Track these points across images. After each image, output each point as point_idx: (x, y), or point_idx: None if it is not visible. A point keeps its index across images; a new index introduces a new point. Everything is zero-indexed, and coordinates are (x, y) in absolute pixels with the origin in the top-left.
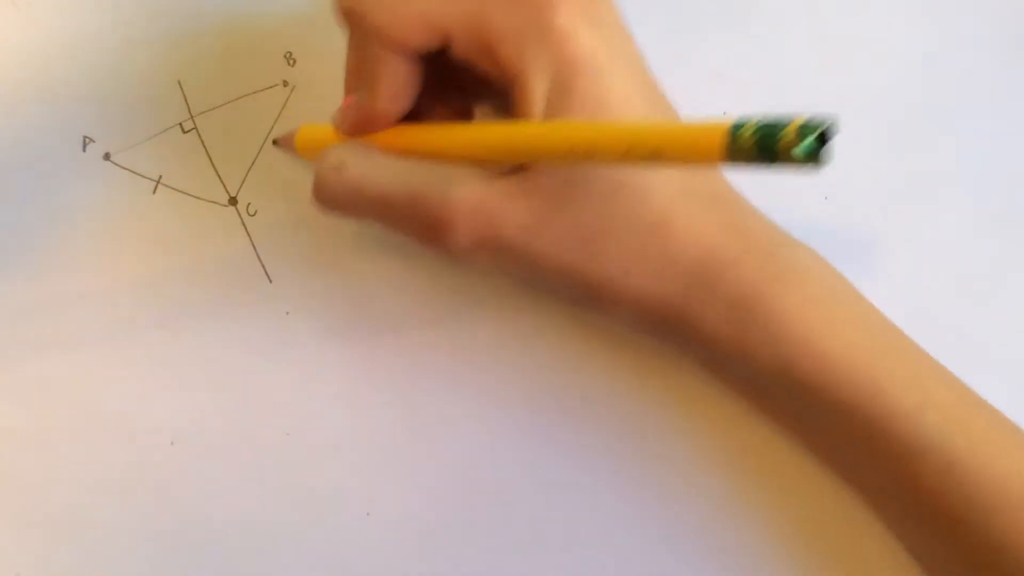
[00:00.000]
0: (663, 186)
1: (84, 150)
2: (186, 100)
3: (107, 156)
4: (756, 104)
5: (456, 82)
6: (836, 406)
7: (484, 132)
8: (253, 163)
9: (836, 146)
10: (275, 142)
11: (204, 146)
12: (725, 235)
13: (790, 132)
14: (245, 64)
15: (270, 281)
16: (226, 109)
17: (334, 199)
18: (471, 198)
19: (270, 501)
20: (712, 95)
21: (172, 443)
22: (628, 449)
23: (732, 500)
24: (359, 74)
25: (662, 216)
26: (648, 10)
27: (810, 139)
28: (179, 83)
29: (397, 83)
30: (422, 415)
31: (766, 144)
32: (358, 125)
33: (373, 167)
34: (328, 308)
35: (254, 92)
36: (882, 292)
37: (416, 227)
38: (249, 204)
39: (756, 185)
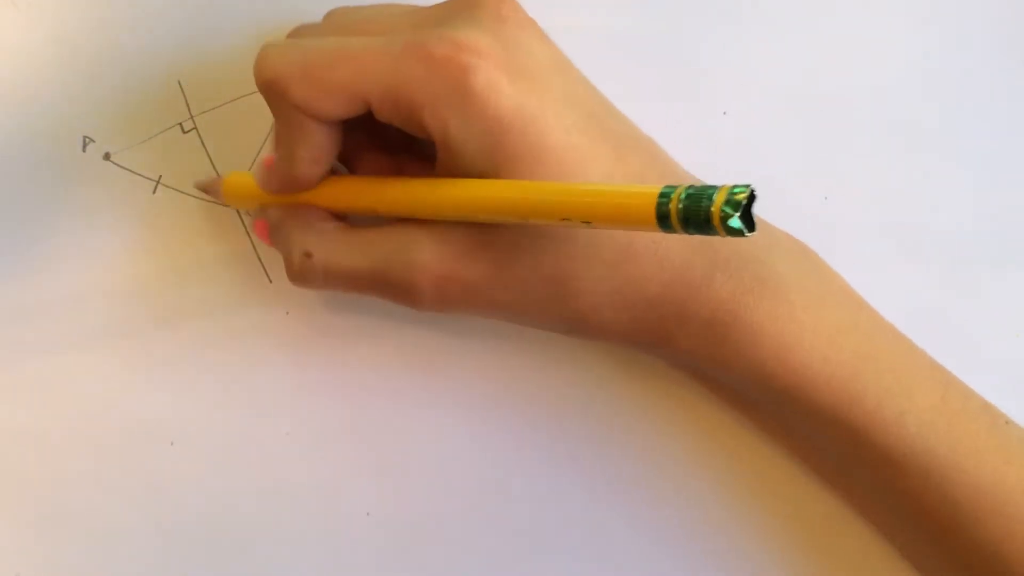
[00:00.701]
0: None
1: (84, 150)
2: (186, 100)
3: (107, 156)
4: (755, 104)
5: (390, 135)
6: (816, 416)
7: (420, 193)
8: (253, 163)
9: (758, 211)
10: (198, 185)
11: (204, 146)
12: (691, 255)
13: (716, 203)
14: (245, 64)
15: (270, 281)
16: (226, 109)
17: (308, 284)
18: (431, 262)
19: (270, 501)
20: (712, 95)
21: (172, 443)
22: (624, 448)
23: (726, 503)
24: (279, 139)
25: (623, 249)
26: (648, 10)
27: (735, 211)
28: (179, 83)
29: (316, 149)
30: (422, 415)
31: (691, 215)
32: (280, 188)
33: (337, 249)
34: (328, 308)
35: (254, 92)
36: (882, 292)
37: (387, 295)
38: None
39: (757, 184)
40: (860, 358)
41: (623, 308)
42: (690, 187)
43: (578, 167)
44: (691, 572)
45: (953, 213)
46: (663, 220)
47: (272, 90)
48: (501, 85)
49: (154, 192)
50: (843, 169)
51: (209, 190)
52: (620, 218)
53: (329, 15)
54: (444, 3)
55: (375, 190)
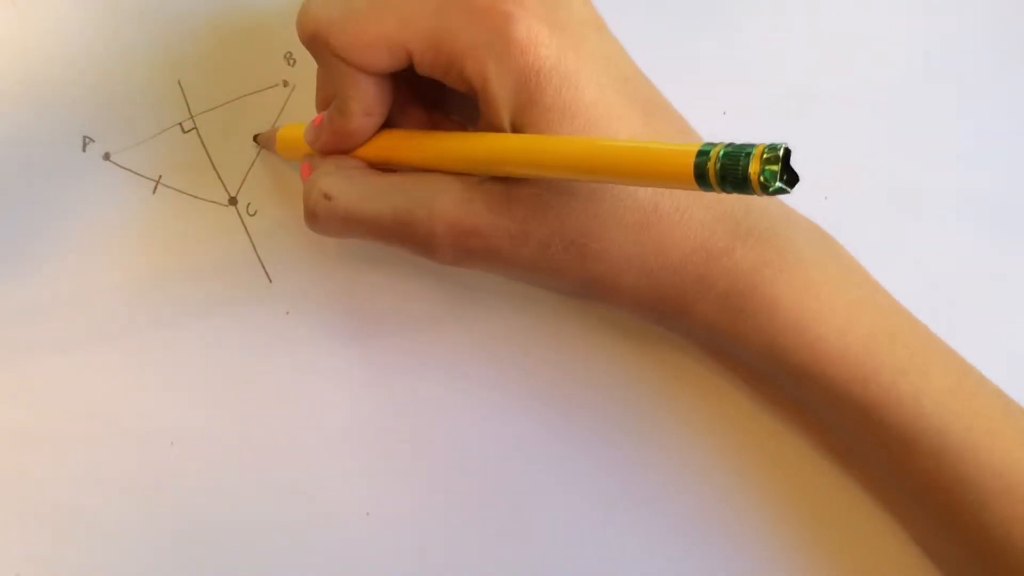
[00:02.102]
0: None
1: (84, 150)
2: (186, 100)
3: (107, 156)
4: (755, 104)
5: (426, 92)
6: (830, 392)
7: (454, 144)
8: (253, 163)
9: (799, 172)
10: (256, 138)
11: (204, 146)
12: (714, 224)
13: (754, 158)
14: (245, 64)
15: (270, 281)
16: (226, 109)
17: (325, 227)
18: (454, 212)
19: (270, 501)
20: (712, 95)
21: (172, 443)
22: (632, 446)
23: (737, 491)
24: (329, 93)
25: (648, 214)
26: (648, 9)
27: (772, 167)
28: (179, 83)
29: (367, 101)
30: (422, 414)
31: (728, 172)
32: (332, 143)
33: (358, 193)
34: (328, 308)
35: (254, 92)
36: None
37: (406, 244)
38: (249, 204)
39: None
40: (876, 336)
41: (643, 273)
42: (728, 144)
43: (608, 126)
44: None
45: (953, 213)
46: (701, 178)
47: (315, 42)
48: (541, 37)
49: (154, 192)
50: (843, 169)
51: (265, 143)
52: (658, 175)
53: None
54: None
55: (407, 141)
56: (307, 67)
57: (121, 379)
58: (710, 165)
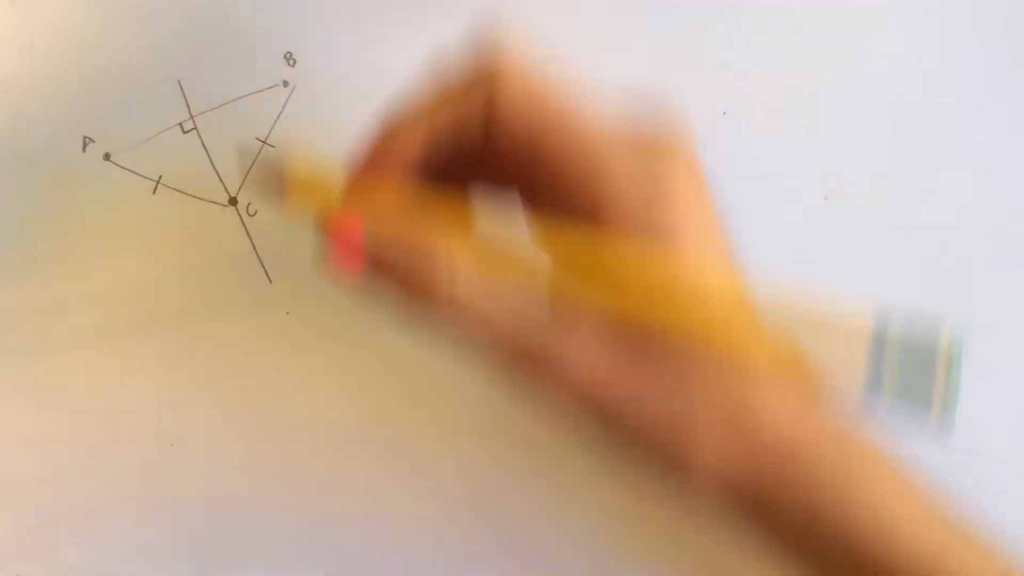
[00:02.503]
0: (750, 364)
1: (84, 150)
2: (186, 100)
3: (107, 156)
4: (755, 104)
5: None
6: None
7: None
8: (253, 163)
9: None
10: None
11: (204, 146)
12: (802, 419)
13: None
14: (245, 64)
15: (270, 281)
16: (226, 109)
17: (459, 323)
18: (594, 359)
19: (270, 501)
20: (712, 95)
21: (172, 443)
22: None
23: None
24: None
25: (746, 399)
26: (648, 9)
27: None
28: (179, 83)
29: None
30: (422, 414)
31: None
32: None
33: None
34: (328, 308)
35: (254, 92)
36: (882, 292)
37: (518, 366)
38: (249, 204)
39: (757, 184)
40: (945, 545)
41: (729, 453)
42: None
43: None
44: None
45: (954, 213)
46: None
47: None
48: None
49: (154, 192)
50: (843, 169)
51: (269, 186)
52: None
53: None
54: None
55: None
56: (307, 67)
57: (121, 379)
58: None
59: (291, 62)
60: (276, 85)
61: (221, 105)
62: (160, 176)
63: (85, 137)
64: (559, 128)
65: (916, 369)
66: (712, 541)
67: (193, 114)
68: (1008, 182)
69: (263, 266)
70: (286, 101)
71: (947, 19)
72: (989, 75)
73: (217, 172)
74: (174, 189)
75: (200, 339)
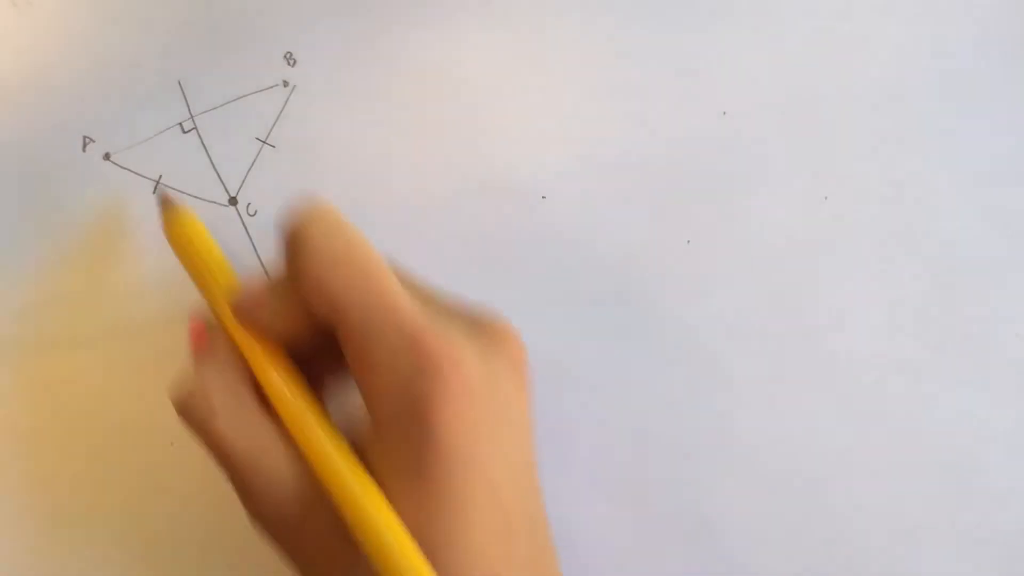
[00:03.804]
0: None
1: (84, 150)
2: (186, 100)
3: (107, 156)
4: (755, 104)
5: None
6: None
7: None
8: (253, 163)
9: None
10: (160, 195)
11: (204, 146)
12: None
13: None
14: (245, 64)
15: None
16: (226, 109)
17: (184, 415)
18: (291, 515)
19: None
20: (712, 95)
21: (172, 443)
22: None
23: None
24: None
25: None
26: (648, 9)
27: None
28: (179, 83)
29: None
30: None
31: None
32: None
33: (237, 423)
34: None
35: (254, 92)
36: (883, 292)
37: (236, 486)
38: (249, 204)
39: (757, 184)
40: None
41: None
42: None
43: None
44: None
45: (954, 213)
46: None
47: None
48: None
49: (154, 192)
50: (843, 169)
51: (164, 203)
52: None
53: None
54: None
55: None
56: (307, 67)
57: (121, 379)
58: None
59: (291, 62)
60: (276, 85)
61: (221, 105)
62: (160, 176)
63: (85, 137)
64: (348, 305)
65: None
66: None
67: (193, 114)
68: (1008, 182)
69: (263, 266)
70: (286, 101)
71: (947, 19)
72: (989, 74)
73: (217, 172)
74: (174, 189)
75: None
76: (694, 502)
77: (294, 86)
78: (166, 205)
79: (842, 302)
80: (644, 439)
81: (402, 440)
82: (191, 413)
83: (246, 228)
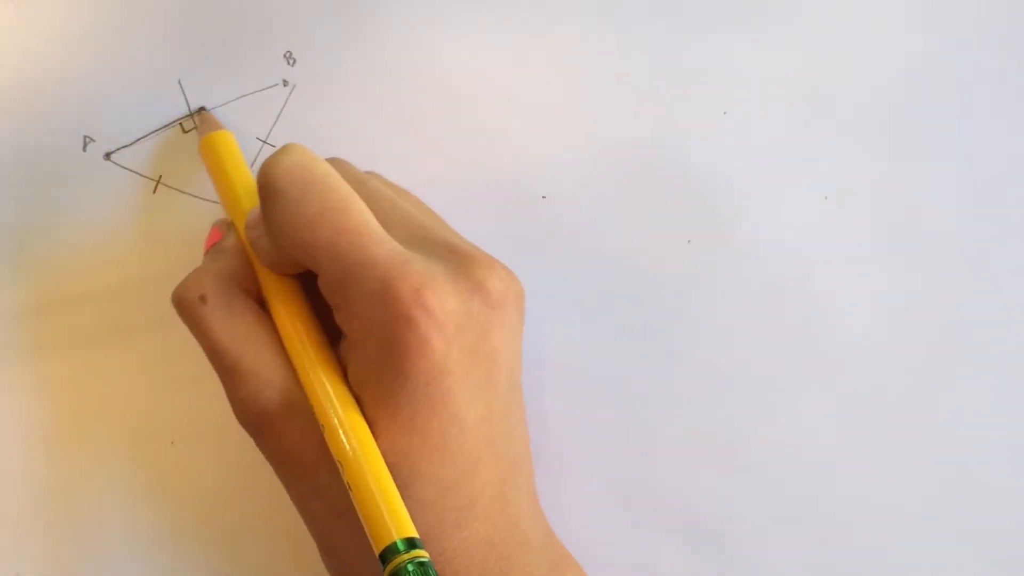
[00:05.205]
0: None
1: (84, 150)
2: (186, 99)
3: (107, 156)
4: (755, 104)
5: None
6: None
7: (307, 379)
8: (253, 163)
9: None
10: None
11: None
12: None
13: None
14: (245, 64)
15: None
16: (226, 109)
17: (179, 309)
18: (275, 415)
19: (270, 501)
20: (712, 95)
21: (172, 443)
22: None
23: None
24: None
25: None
26: (648, 9)
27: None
28: (179, 82)
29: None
30: None
31: None
32: (267, 254)
33: (227, 323)
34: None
35: (254, 92)
36: (883, 292)
37: (224, 385)
38: None
39: (757, 184)
40: None
41: None
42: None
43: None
44: None
45: (953, 213)
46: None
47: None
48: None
49: (154, 192)
50: (843, 169)
51: (204, 125)
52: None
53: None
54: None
55: (292, 321)
56: (307, 67)
57: (121, 379)
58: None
59: (291, 62)
60: (276, 85)
61: (221, 104)
62: (160, 176)
63: (85, 137)
64: (324, 259)
65: None
66: None
67: (193, 114)
68: (1009, 182)
69: None
70: (286, 101)
71: (948, 18)
72: (989, 75)
73: None
74: (174, 189)
75: None
76: (694, 501)
77: (294, 86)
78: (205, 124)
79: (842, 302)
80: (644, 438)
81: (378, 379)
82: (184, 299)
83: None
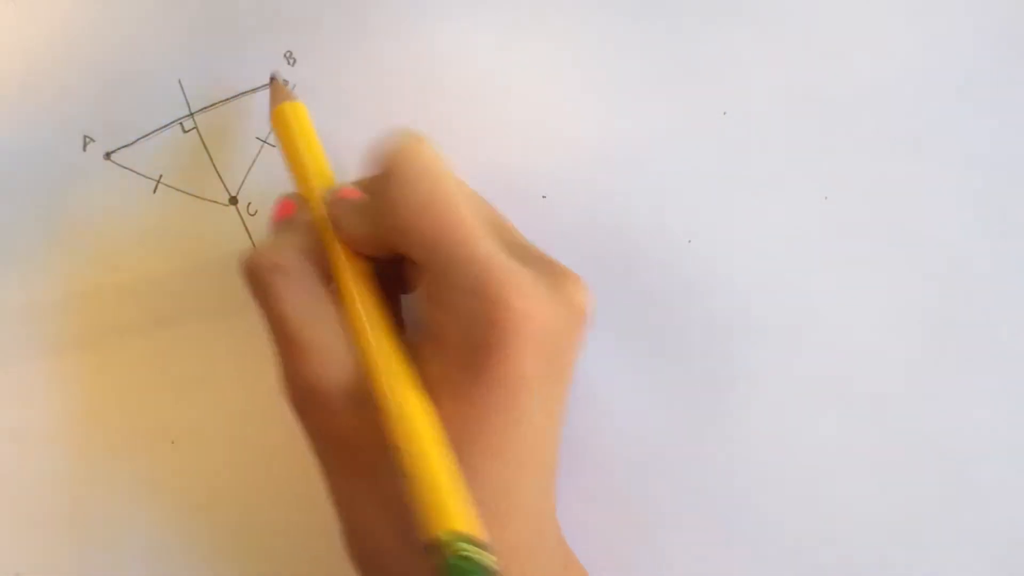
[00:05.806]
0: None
1: (84, 150)
2: (186, 99)
3: (107, 156)
4: (755, 104)
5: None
6: None
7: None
8: (253, 163)
9: None
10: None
11: (204, 145)
12: None
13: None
14: (245, 63)
15: None
16: (226, 108)
17: (249, 282)
18: (335, 405)
19: (271, 502)
20: (712, 95)
21: (172, 443)
22: None
23: None
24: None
25: None
26: (648, 10)
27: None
28: (179, 82)
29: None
30: None
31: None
32: (352, 233)
33: (297, 300)
34: None
35: (254, 91)
36: (882, 292)
37: (279, 356)
38: (249, 204)
39: (757, 184)
40: None
41: None
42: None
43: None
44: None
45: (954, 213)
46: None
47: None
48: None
49: (154, 192)
50: (843, 169)
51: (276, 95)
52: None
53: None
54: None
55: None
56: (307, 67)
57: (121, 379)
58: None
59: (291, 62)
60: None
61: (222, 104)
62: (160, 176)
63: (85, 137)
64: (429, 249)
65: None
66: None
67: (193, 113)
68: (1009, 182)
69: None
70: None
71: (948, 19)
72: (990, 75)
73: (217, 172)
74: (174, 189)
75: (200, 338)
76: (694, 500)
77: (294, 86)
78: (277, 94)
79: (842, 302)
80: (644, 438)
81: (455, 373)
82: (259, 266)
83: (246, 227)
